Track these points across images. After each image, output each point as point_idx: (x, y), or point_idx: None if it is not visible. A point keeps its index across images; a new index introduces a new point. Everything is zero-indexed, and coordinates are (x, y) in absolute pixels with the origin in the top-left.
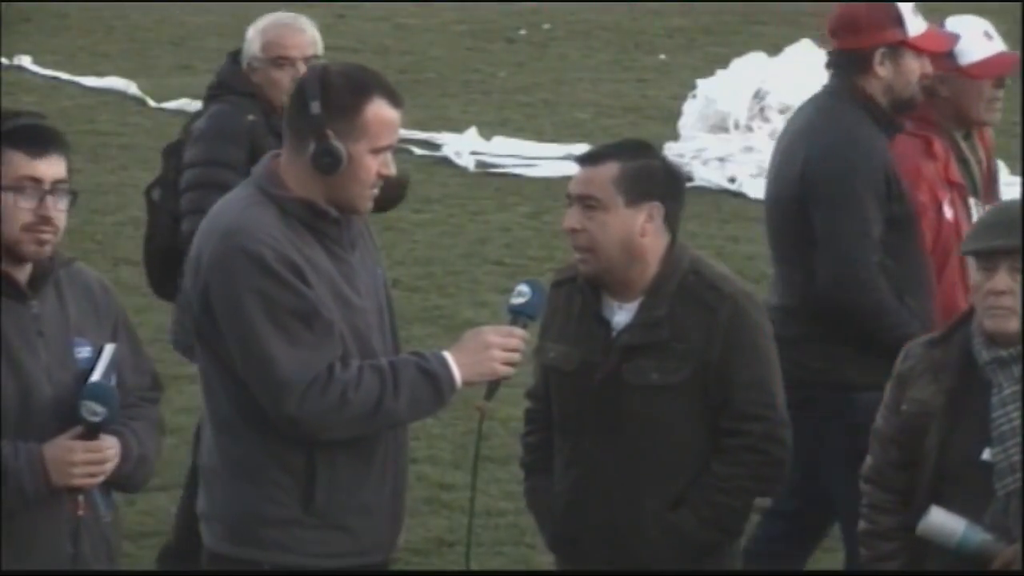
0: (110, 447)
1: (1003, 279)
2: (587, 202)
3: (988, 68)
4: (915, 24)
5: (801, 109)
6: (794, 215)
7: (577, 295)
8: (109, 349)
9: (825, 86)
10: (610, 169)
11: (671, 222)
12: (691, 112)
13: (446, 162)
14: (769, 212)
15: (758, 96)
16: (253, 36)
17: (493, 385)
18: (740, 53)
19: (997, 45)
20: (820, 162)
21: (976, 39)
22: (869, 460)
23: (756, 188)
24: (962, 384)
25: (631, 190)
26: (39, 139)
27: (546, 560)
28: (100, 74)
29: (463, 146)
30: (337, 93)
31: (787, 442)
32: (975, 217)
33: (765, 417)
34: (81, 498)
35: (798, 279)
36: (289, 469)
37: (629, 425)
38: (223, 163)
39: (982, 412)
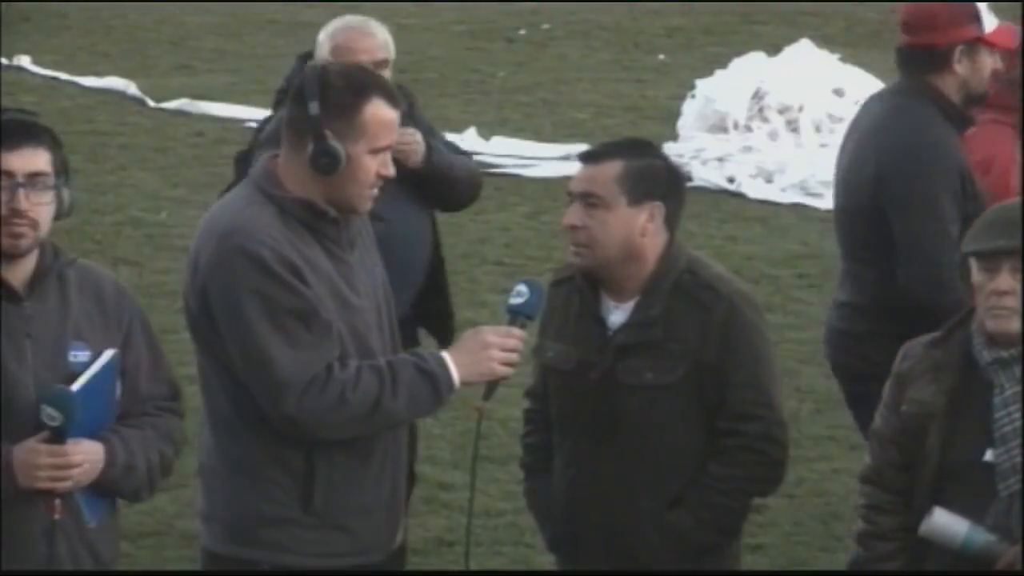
0: (77, 452)
1: (1005, 279)
2: (589, 200)
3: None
4: (989, 20)
5: (867, 107)
6: (868, 216)
7: (575, 295)
8: (107, 355)
9: (895, 84)
10: (614, 167)
11: (671, 222)
12: (690, 112)
13: None
14: (841, 211)
15: (757, 96)
16: (323, 40)
17: (492, 385)
18: (739, 53)
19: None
20: (895, 164)
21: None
22: (868, 460)
23: (755, 188)
24: (963, 385)
25: (634, 189)
26: (12, 133)
27: (545, 560)
28: (99, 74)
29: (463, 146)
30: (336, 93)
31: (784, 442)
32: None
33: (761, 417)
34: (57, 501)
35: (869, 277)
36: (288, 469)
37: (625, 425)
38: None
39: (983, 413)
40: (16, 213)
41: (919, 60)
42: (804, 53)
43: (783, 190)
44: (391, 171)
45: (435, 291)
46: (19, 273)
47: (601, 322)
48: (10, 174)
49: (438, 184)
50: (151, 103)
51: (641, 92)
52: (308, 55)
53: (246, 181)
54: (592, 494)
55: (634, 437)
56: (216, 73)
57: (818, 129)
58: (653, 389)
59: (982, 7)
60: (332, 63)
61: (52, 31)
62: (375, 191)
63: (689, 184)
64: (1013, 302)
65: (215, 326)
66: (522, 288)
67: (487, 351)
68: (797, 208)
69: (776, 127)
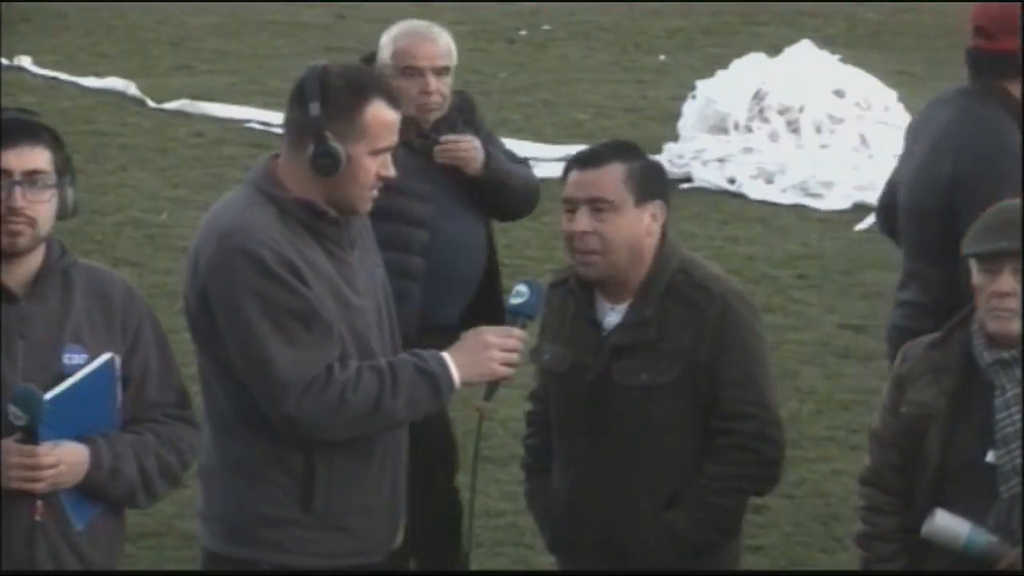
0: (49, 454)
1: (1007, 281)
2: (598, 204)
3: None
4: None
5: (933, 109)
6: (939, 216)
7: (571, 297)
8: (103, 359)
9: (965, 87)
10: (616, 169)
11: (665, 221)
12: (691, 113)
13: None
14: (909, 212)
15: (758, 97)
16: (385, 43)
17: (492, 385)
18: (740, 54)
19: None
20: (972, 169)
21: None
22: (867, 462)
23: (755, 189)
24: (964, 386)
25: (639, 189)
26: (10, 131)
27: (546, 561)
28: (99, 74)
29: None
30: (337, 94)
31: (779, 441)
32: None
33: (755, 416)
34: (39, 503)
35: (935, 277)
36: (288, 469)
37: (621, 426)
38: None
39: (984, 414)
40: (13, 211)
41: (993, 64)
42: (804, 54)
43: (783, 191)
44: (391, 172)
45: (487, 300)
46: (20, 272)
47: (596, 324)
48: (7, 172)
49: (495, 192)
50: (151, 103)
51: (641, 93)
52: (370, 58)
53: (246, 182)
54: (590, 495)
55: (631, 438)
56: (216, 73)
57: (818, 130)
58: (648, 390)
59: None
60: (333, 64)
61: (52, 31)
62: (375, 192)
63: (690, 185)
64: (1014, 303)
65: (215, 326)
66: (522, 288)
67: (487, 351)
68: (797, 209)
69: (776, 128)
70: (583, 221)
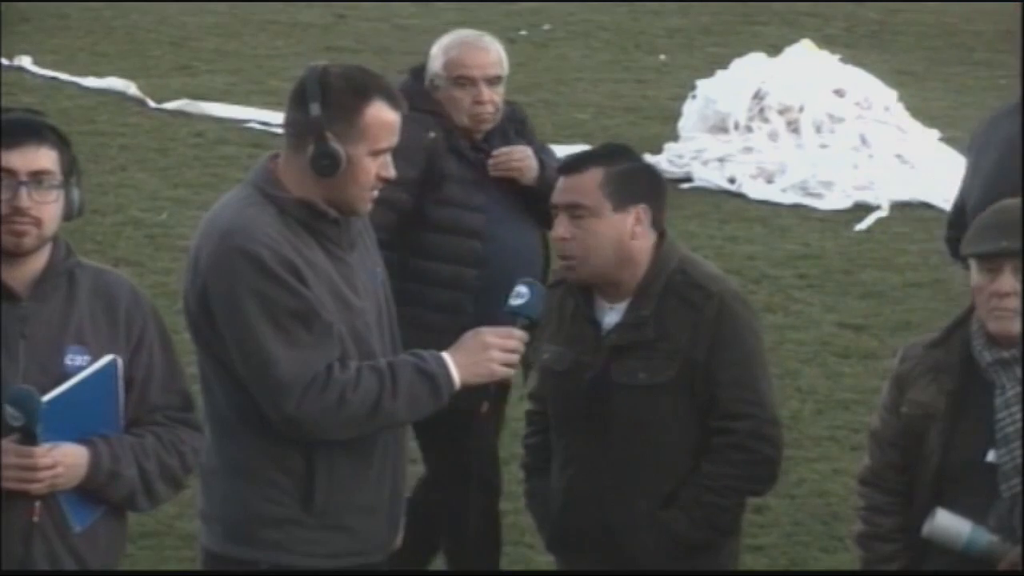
0: (47, 455)
1: (1008, 281)
2: (575, 211)
3: None
4: None
5: (997, 122)
6: None
7: (569, 297)
8: (104, 361)
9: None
10: (595, 175)
11: (657, 222)
12: (691, 112)
13: None
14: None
15: (758, 97)
16: (436, 53)
17: (492, 386)
18: (740, 53)
19: None
20: None
21: None
22: (867, 462)
23: (756, 189)
24: (964, 385)
25: (617, 194)
26: (14, 131)
27: (545, 560)
28: (100, 74)
29: None
30: (337, 94)
31: (776, 440)
32: None
33: (752, 415)
34: (37, 504)
35: None
36: (288, 469)
37: (619, 425)
38: (393, 180)
39: (985, 413)
40: (18, 211)
41: None
42: (804, 54)
43: (783, 190)
44: (391, 173)
45: None
46: (23, 272)
47: (595, 323)
48: (12, 172)
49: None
50: (151, 103)
51: (642, 92)
52: (420, 69)
53: (246, 182)
54: (589, 494)
55: (629, 437)
56: (216, 73)
57: (819, 129)
58: (647, 389)
59: None
60: (334, 64)
61: (52, 31)
62: (375, 193)
63: (690, 184)
64: (1015, 303)
65: (215, 326)
66: (522, 289)
67: (487, 352)
68: (797, 208)
69: (777, 127)
70: (561, 228)
